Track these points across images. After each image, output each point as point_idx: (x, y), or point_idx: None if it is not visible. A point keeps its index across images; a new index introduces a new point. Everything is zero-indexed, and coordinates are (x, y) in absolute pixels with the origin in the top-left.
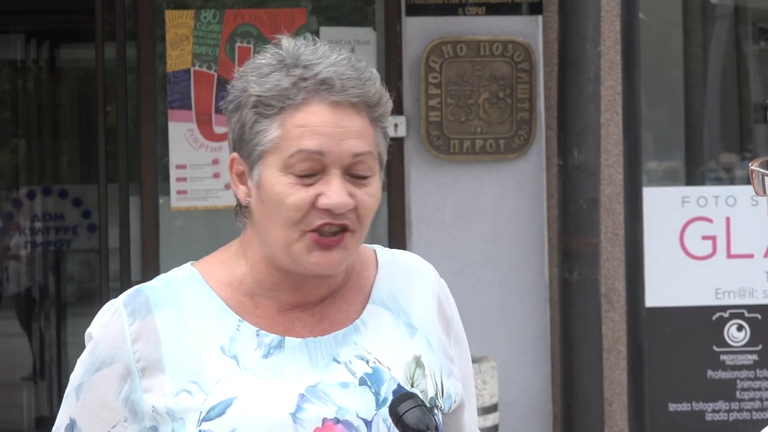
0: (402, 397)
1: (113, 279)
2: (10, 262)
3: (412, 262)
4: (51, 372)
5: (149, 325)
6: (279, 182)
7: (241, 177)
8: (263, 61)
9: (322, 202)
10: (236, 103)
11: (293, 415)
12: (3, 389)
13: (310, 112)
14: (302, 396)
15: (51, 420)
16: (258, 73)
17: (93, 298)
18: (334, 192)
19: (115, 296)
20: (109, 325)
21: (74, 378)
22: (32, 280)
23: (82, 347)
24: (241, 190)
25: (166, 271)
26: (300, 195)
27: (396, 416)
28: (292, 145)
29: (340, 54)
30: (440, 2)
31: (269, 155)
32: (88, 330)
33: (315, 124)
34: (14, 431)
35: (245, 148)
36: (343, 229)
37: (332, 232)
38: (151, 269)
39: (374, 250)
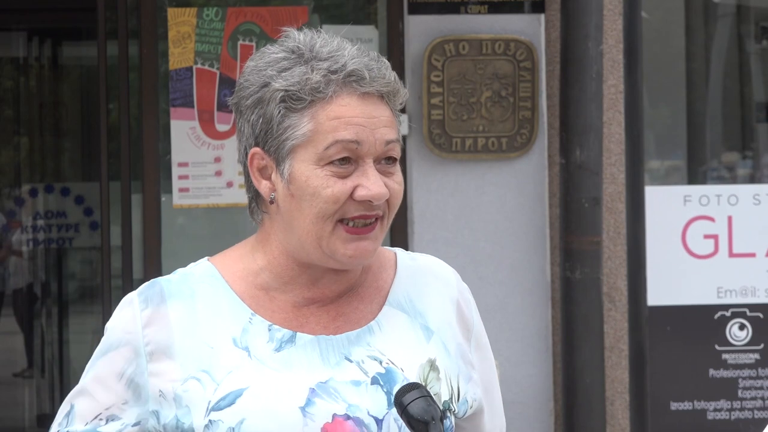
0: (407, 387)
1: (115, 277)
2: (12, 259)
3: (432, 265)
4: (52, 370)
5: (162, 313)
6: (314, 175)
7: (263, 172)
8: (278, 55)
9: (361, 193)
10: (255, 98)
11: (303, 408)
12: (4, 387)
13: (341, 104)
14: (313, 390)
15: (52, 418)
16: (278, 67)
17: (95, 296)
18: (372, 183)
19: (117, 294)
20: (122, 314)
21: (85, 369)
22: (34, 278)
23: (84, 345)
24: (264, 184)
25: (167, 268)
26: (338, 187)
27: (401, 406)
28: (327, 138)
29: (353, 44)
30: (442, 0)
31: (301, 149)
32: (106, 324)
33: (348, 116)
34: (15, 429)
35: (272, 142)
36: (375, 219)
37: (365, 223)
38: (152, 267)
39: (395, 253)
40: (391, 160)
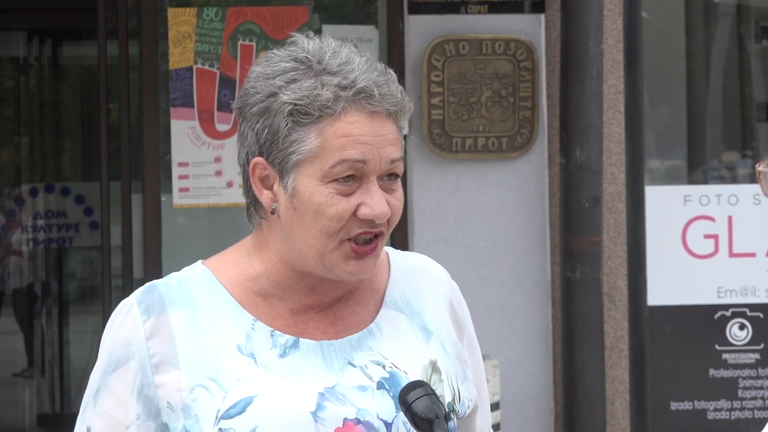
0: (411, 385)
1: (115, 276)
2: (12, 259)
3: (424, 264)
4: (52, 369)
5: (164, 323)
6: (319, 192)
7: (264, 181)
8: (286, 64)
9: (365, 212)
10: (261, 107)
11: (314, 413)
12: (4, 387)
13: (349, 121)
14: (322, 395)
15: (52, 417)
16: (285, 78)
17: (95, 296)
18: (376, 203)
19: (117, 294)
20: (124, 324)
21: (90, 385)
22: (34, 278)
23: (84, 345)
24: (266, 194)
25: (168, 268)
26: (342, 205)
27: (405, 404)
28: (333, 155)
29: (360, 56)
30: (442, 0)
31: (306, 164)
32: (104, 334)
33: (356, 134)
34: (15, 429)
35: (277, 154)
36: (376, 235)
37: (367, 240)
38: (153, 267)
39: (386, 253)
40: (393, 176)
